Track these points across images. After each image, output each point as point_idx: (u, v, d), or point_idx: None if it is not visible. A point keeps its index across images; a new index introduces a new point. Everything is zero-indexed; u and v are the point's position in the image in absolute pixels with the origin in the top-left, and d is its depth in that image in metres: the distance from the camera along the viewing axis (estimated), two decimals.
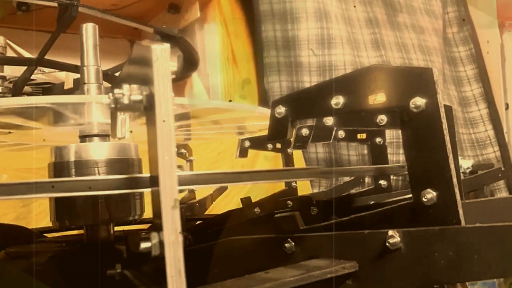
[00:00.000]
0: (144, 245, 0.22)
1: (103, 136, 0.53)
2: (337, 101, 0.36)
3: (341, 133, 0.59)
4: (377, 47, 1.47)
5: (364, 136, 0.63)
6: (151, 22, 1.68)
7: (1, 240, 0.59)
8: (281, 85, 1.45)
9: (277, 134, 0.39)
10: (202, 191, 0.84)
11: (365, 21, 1.49)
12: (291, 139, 0.59)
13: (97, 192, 0.28)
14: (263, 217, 0.51)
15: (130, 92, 0.26)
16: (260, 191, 1.02)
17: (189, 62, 1.37)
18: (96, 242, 0.51)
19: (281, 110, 0.39)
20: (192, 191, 0.84)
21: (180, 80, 1.45)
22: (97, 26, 0.54)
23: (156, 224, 0.22)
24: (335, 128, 0.55)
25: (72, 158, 0.50)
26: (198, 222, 0.72)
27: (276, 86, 1.45)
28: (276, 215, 0.39)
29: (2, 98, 0.39)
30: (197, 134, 0.80)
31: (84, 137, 0.53)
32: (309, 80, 1.38)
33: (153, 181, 0.22)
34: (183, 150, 0.83)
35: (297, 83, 1.41)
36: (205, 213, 0.85)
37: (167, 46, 0.21)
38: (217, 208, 0.91)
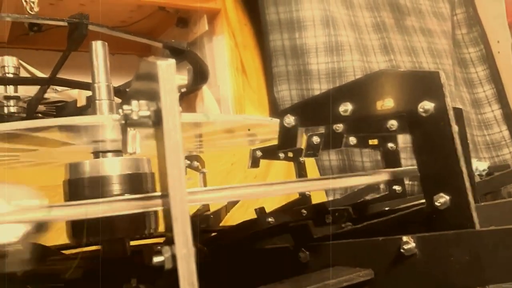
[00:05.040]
0: (157, 259, 0.22)
1: (117, 152, 0.54)
2: (345, 108, 0.36)
3: (352, 140, 0.59)
4: (386, 51, 1.46)
5: (376, 141, 0.62)
6: (160, 37, 1.71)
7: (18, 258, 0.60)
8: (291, 94, 1.45)
9: (287, 143, 0.40)
10: (216, 203, 0.85)
11: (372, 26, 1.49)
12: (303, 147, 0.59)
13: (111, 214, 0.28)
14: (277, 227, 0.51)
15: (139, 108, 0.27)
16: (274, 201, 1.02)
17: (199, 75, 1.38)
18: (113, 257, 0.52)
19: (290, 119, 0.39)
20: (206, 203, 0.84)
21: (190, 93, 1.46)
22: (106, 44, 0.54)
23: (168, 238, 0.22)
24: (345, 135, 0.55)
25: (87, 175, 0.50)
26: (213, 234, 0.72)
27: (286, 94, 1.46)
28: (289, 225, 0.39)
29: (16, 121, 0.40)
30: (209, 144, 0.81)
31: (97, 153, 0.53)
32: (319, 88, 1.38)
33: (164, 196, 0.22)
34: (195, 163, 0.84)
35: (307, 91, 1.41)
36: (220, 224, 0.85)
37: (172, 61, 0.22)
38: (232, 219, 0.91)
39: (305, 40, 1.41)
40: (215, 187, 0.29)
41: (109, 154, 0.54)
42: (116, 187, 0.50)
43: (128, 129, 0.31)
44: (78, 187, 0.51)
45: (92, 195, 0.50)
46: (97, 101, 0.54)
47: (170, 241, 0.21)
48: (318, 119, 0.38)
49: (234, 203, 0.87)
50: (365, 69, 1.39)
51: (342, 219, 0.55)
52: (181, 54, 1.23)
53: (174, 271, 0.21)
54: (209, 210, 0.85)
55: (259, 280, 0.34)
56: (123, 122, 0.29)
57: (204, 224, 0.82)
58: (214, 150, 0.99)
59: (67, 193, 0.51)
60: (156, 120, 0.22)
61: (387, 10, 1.52)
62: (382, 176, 0.39)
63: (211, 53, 1.60)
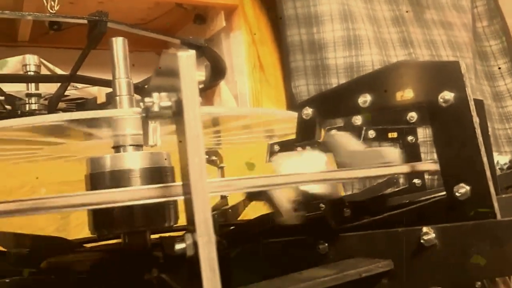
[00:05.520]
0: (178, 246, 0.23)
1: (137, 146, 0.55)
2: (364, 99, 0.36)
3: (372, 133, 0.59)
4: (405, 45, 1.45)
5: (395, 135, 0.62)
6: (178, 33, 1.72)
7: (42, 251, 0.61)
8: (308, 89, 1.45)
9: (305, 136, 0.40)
10: (234, 197, 0.85)
11: (391, 19, 1.48)
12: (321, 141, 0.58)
13: (133, 202, 0.29)
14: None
15: (159, 100, 0.27)
16: None
17: (217, 71, 1.39)
18: (134, 249, 0.52)
19: (308, 111, 0.40)
20: (224, 197, 0.85)
21: (208, 89, 1.47)
22: (126, 40, 0.55)
23: (190, 227, 0.22)
24: (364, 128, 0.55)
25: (108, 169, 0.51)
26: (231, 228, 0.72)
27: (304, 90, 1.45)
28: (308, 217, 0.39)
29: (38, 115, 0.41)
30: (226, 140, 0.81)
31: (118, 148, 0.54)
32: (337, 82, 1.38)
33: (185, 185, 0.23)
34: (214, 157, 0.84)
35: (325, 85, 1.41)
36: (238, 218, 0.85)
37: (192, 52, 0.22)
38: (250, 213, 0.91)
39: (322, 35, 1.40)
40: (235, 178, 0.30)
41: (130, 148, 0.54)
42: (137, 181, 0.51)
43: (149, 122, 0.32)
44: (100, 181, 0.52)
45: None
46: (117, 97, 0.55)
47: (191, 229, 0.22)
48: (336, 110, 0.38)
49: None
50: (384, 63, 1.38)
51: (361, 213, 0.55)
52: (198, 51, 1.24)
53: (195, 258, 0.21)
54: (227, 205, 0.86)
55: (278, 271, 0.35)
56: (144, 115, 0.29)
57: (222, 219, 0.82)
58: (232, 145, 1.00)
59: (88, 187, 0.52)
60: (177, 111, 0.23)
61: (406, 3, 1.50)
62: (400, 168, 0.39)
63: (228, 49, 1.60)
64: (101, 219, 0.50)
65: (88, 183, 0.52)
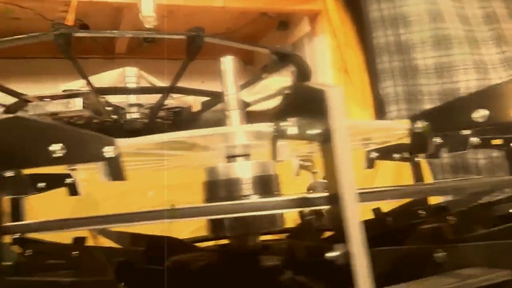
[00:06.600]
0: (330, 254, 0.26)
1: (246, 156, 0.59)
2: (480, 114, 0.37)
3: (475, 140, 0.58)
4: (498, 43, 1.39)
5: (499, 141, 0.61)
6: (262, 40, 1.77)
7: (160, 250, 0.68)
8: (396, 90, 1.43)
9: (418, 149, 0.41)
10: None
11: (482, 17, 1.42)
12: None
13: (278, 211, 0.32)
14: (404, 227, 0.53)
15: (293, 124, 0.31)
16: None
17: (302, 76, 1.42)
18: (246, 251, 0.57)
19: (420, 125, 0.41)
20: None
21: None
22: (236, 59, 0.60)
23: (338, 237, 0.25)
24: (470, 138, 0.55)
25: (223, 177, 0.56)
26: (330, 233, 0.75)
27: (391, 91, 1.44)
28: (423, 226, 0.41)
29: (190, 130, 0.46)
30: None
31: (230, 158, 0.59)
32: (427, 83, 1.35)
33: (333, 199, 0.26)
34: (309, 163, 0.87)
35: (414, 87, 1.39)
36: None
37: (340, 88, 0.25)
38: None
39: (410, 36, 1.39)
40: (382, 187, 0.32)
41: (240, 158, 0.59)
42: (248, 188, 0.55)
43: (278, 140, 0.35)
44: (215, 187, 0.57)
45: (227, 195, 0.55)
46: (228, 111, 0.59)
47: (340, 239, 0.25)
48: (450, 124, 0.40)
49: None
50: (476, 62, 1.33)
51: (466, 221, 0.55)
52: (286, 58, 1.28)
53: (346, 266, 0.24)
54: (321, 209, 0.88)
55: (392, 279, 0.37)
56: (275, 134, 0.33)
57: (317, 223, 0.84)
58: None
59: (206, 193, 0.57)
60: (325, 138, 0.26)
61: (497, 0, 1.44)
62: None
63: (312, 54, 1.63)
64: (220, 222, 0.55)
65: (205, 189, 0.58)
